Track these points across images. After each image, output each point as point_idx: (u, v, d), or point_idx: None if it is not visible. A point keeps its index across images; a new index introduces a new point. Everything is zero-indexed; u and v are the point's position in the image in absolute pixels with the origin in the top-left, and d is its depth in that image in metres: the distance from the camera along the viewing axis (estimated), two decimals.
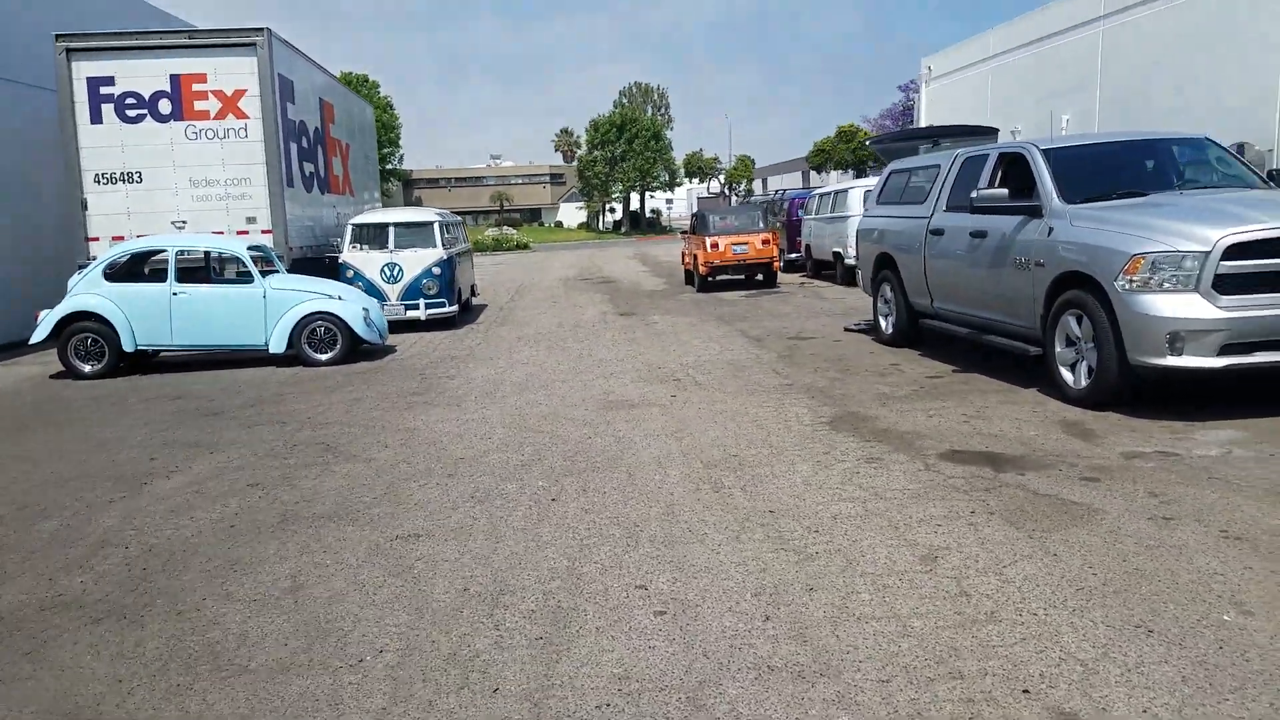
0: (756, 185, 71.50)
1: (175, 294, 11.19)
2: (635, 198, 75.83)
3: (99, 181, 13.39)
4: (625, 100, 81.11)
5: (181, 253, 11.48)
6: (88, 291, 11.20)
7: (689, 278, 21.43)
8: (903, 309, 9.80)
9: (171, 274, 11.23)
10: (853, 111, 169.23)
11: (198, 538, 5.09)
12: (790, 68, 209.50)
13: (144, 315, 11.17)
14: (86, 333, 11.12)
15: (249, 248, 11.87)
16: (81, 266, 12.71)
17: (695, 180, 73.33)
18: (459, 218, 18.14)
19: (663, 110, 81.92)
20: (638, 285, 22.35)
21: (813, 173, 63.08)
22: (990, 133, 11.65)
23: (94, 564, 4.76)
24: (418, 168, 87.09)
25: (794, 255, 21.68)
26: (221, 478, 6.30)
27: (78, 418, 8.73)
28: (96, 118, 13.24)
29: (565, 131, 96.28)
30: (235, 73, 13.39)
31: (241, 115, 13.51)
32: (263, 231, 13.74)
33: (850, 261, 17.58)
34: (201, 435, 7.69)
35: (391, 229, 14.58)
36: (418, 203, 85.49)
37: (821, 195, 20.08)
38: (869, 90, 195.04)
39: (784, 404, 7.60)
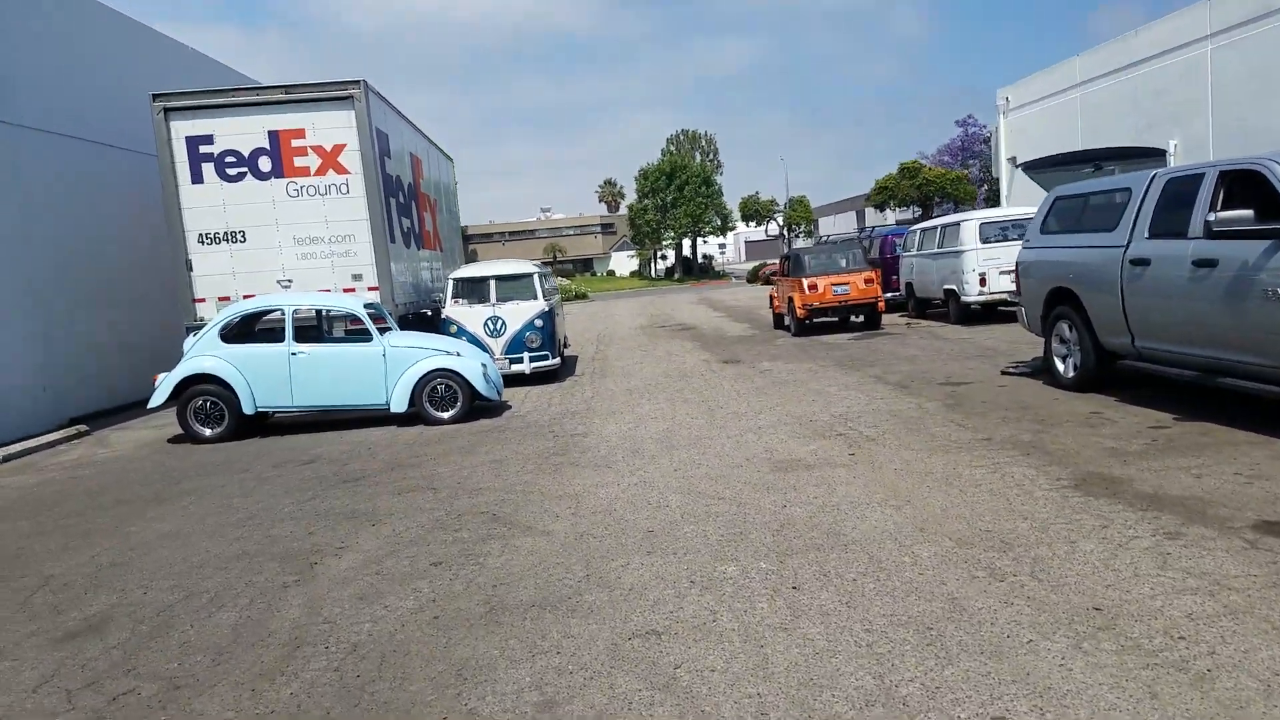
0: (812, 226, 70.90)
1: (294, 354, 10.80)
2: (687, 244, 75.63)
3: (203, 242, 13.19)
4: (673, 148, 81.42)
5: (296, 312, 11.11)
6: (205, 353, 10.87)
7: (778, 321, 20.76)
8: (1089, 349, 8.96)
9: (289, 333, 10.85)
10: (901, 150, 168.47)
11: (402, 633, 4.47)
12: (832, 110, 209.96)
13: (263, 376, 10.79)
14: (206, 395, 10.76)
15: (365, 305, 11.48)
16: (190, 329, 12.47)
17: (752, 224, 72.86)
18: (549, 269, 17.73)
19: (711, 156, 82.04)
20: (721, 331, 21.73)
21: (873, 211, 62.32)
22: (1155, 154, 10.88)
23: (296, 669, 4.16)
24: (471, 223, 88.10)
25: (890, 294, 20.88)
26: (398, 555, 5.71)
27: (212, 487, 8.27)
28: (198, 177, 13.07)
29: (609, 182, 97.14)
30: (334, 127, 13.17)
31: (342, 170, 13.25)
32: (369, 289, 13.40)
33: (971, 299, 16.80)
34: (353, 504, 7.14)
35: (492, 282, 14.17)
36: (473, 257, 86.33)
37: (924, 230, 19.35)
38: (917, 128, 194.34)
39: (998, 464, 6.82)
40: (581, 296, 53.16)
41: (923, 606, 4.37)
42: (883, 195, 53.76)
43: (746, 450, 8.02)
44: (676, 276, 74.74)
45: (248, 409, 10.75)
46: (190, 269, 13.20)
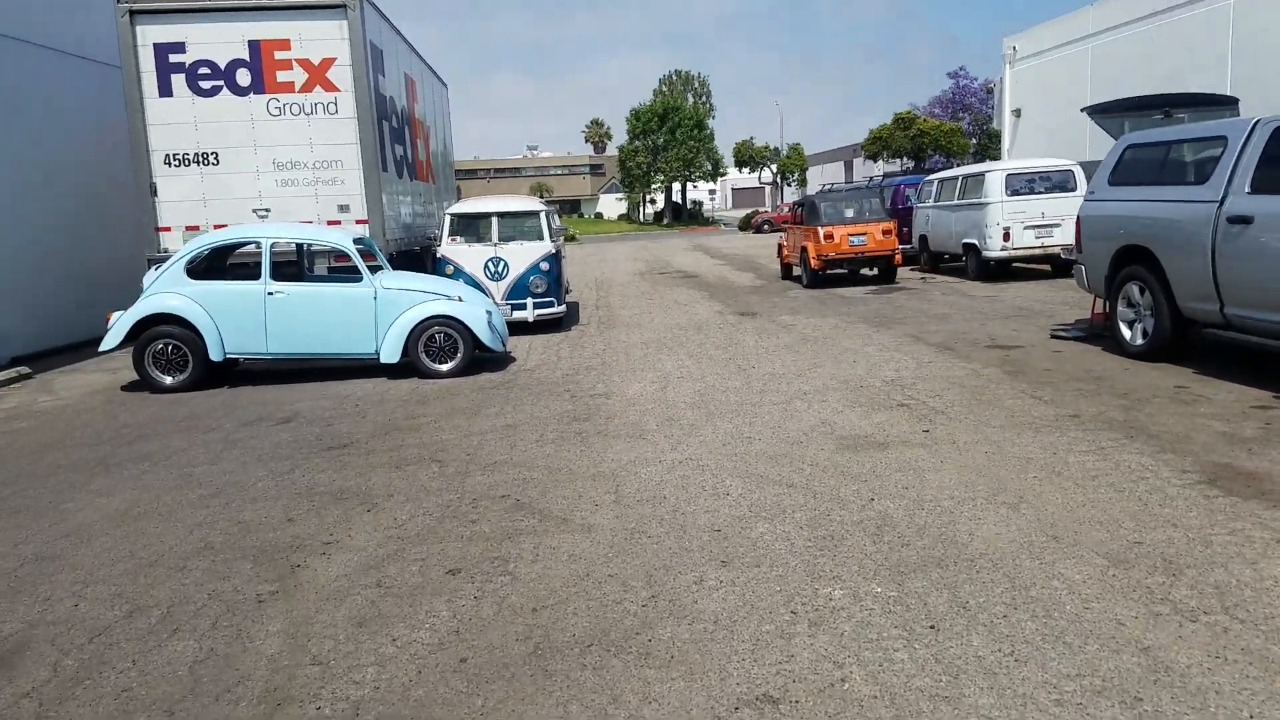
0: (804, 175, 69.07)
1: (271, 294, 9.44)
2: (677, 188, 73.72)
3: (170, 163, 11.69)
4: (666, 89, 78.93)
5: (274, 246, 9.72)
6: (168, 290, 9.48)
7: (786, 272, 19.51)
8: (1165, 315, 7.82)
9: (266, 270, 9.48)
10: (893, 103, 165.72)
11: (420, 685, 3.28)
12: (823, 57, 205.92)
13: (234, 318, 9.44)
14: (167, 339, 9.40)
15: (354, 240, 10.10)
16: (153, 261, 11.05)
17: (745, 170, 70.86)
18: (551, 207, 16.32)
19: (704, 99, 79.63)
20: (726, 280, 20.46)
21: (860, 161, 60.68)
22: (1229, 103, 9.66)
23: None
24: (456, 158, 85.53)
25: (903, 247, 19.62)
26: (403, 558, 4.50)
27: (171, 450, 6.99)
28: (166, 90, 11.52)
29: (596, 122, 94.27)
30: (323, 38, 11.62)
31: (331, 88, 11.74)
32: (357, 221, 12.00)
33: (993, 254, 15.61)
34: (342, 479, 5.91)
35: (495, 220, 12.78)
36: (457, 193, 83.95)
37: (943, 180, 18.05)
38: (911, 79, 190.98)
39: (1103, 449, 5.68)
40: (571, 238, 51.46)
41: (1113, 662, 3.24)
42: (877, 145, 52.13)
43: (800, 421, 6.84)
44: (666, 221, 73.00)
45: (215, 355, 9.41)
46: (155, 193, 11.72)
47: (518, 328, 12.59)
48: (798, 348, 10.35)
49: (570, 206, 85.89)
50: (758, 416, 7.10)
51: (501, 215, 12.87)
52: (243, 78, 11.59)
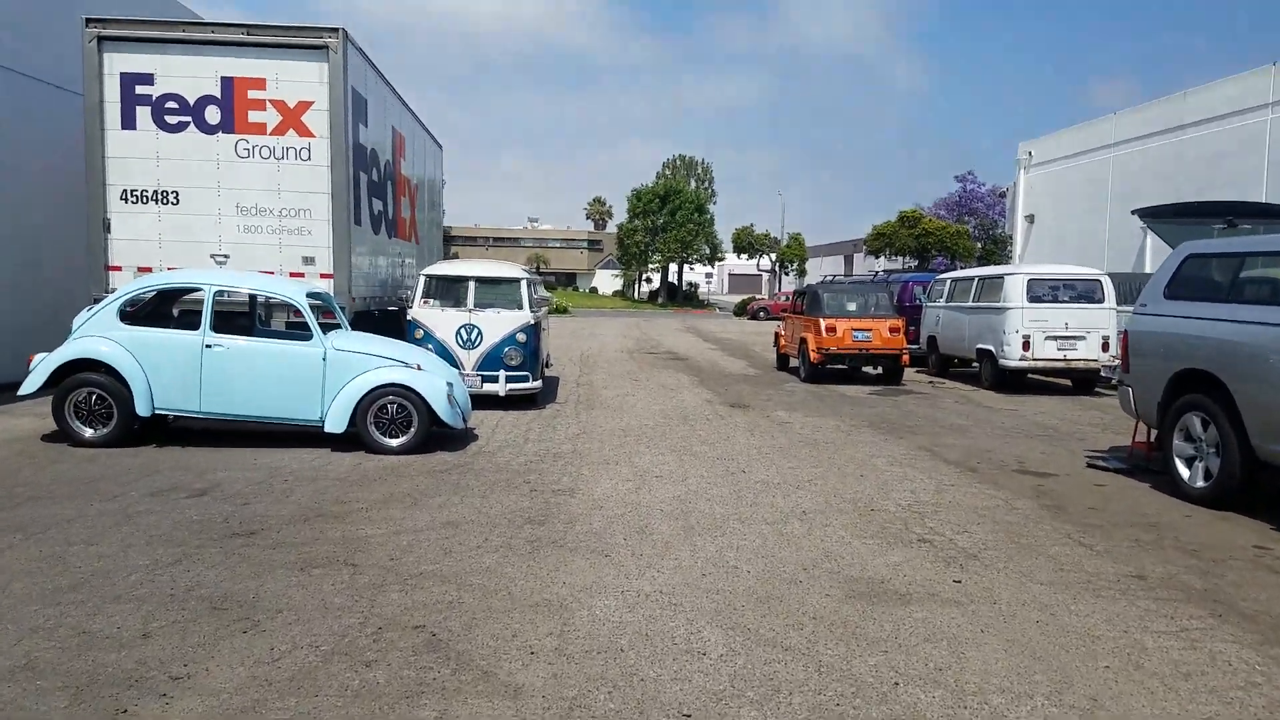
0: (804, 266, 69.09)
1: (209, 346, 8.46)
2: (674, 269, 73.67)
3: (126, 200, 10.84)
4: (669, 171, 79.66)
5: (221, 294, 8.78)
6: (97, 334, 8.50)
7: (782, 363, 18.65)
8: (1235, 455, 6.83)
9: (206, 320, 8.52)
10: (896, 200, 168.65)
11: None
12: (829, 153, 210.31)
13: (166, 370, 8.44)
14: (91, 387, 8.38)
15: (308, 294, 9.18)
16: (97, 300, 10.07)
17: (743, 256, 70.86)
18: (540, 277, 15.50)
19: (706, 184, 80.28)
20: (717, 366, 19.57)
21: (860, 257, 60.72)
22: None
23: None
24: (455, 224, 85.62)
25: (910, 347, 18.85)
26: (264, 710, 3.41)
27: (55, 520, 5.90)
28: (129, 122, 10.74)
29: (598, 200, 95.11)
30: (301, 80, 10.91)
31: (305, 132, 10.98)
32: (321, 275, 11.10)
33: (1010, 363, 14.75)
34: (231, 580, 4.82)
35: (472, 284, 11.90)
36: (454, 259, 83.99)
37: (957, 280, 17.33)
38: (916, 180, 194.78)
39: (1185, 629, 4.63)
40: (562, 310, 50.91)
41: None
42: (880, 242, 52.10)
43: (799, 551, 5.80)
44: (660, 301, 72.73)
45: (142, 409, 8.37)
46: (107, 229, 10.84)
47: (488, 401, 11.61)
48: (795, 452, 9.36)
49: (566, 279, 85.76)
50: (747, 538, 6.06)
51: (480, 280, 12.00)
52: (212, 115, 10.83)
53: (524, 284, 12.09)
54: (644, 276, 78.81)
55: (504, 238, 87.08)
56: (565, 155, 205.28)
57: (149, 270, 10.80)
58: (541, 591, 4.86)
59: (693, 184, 78.19)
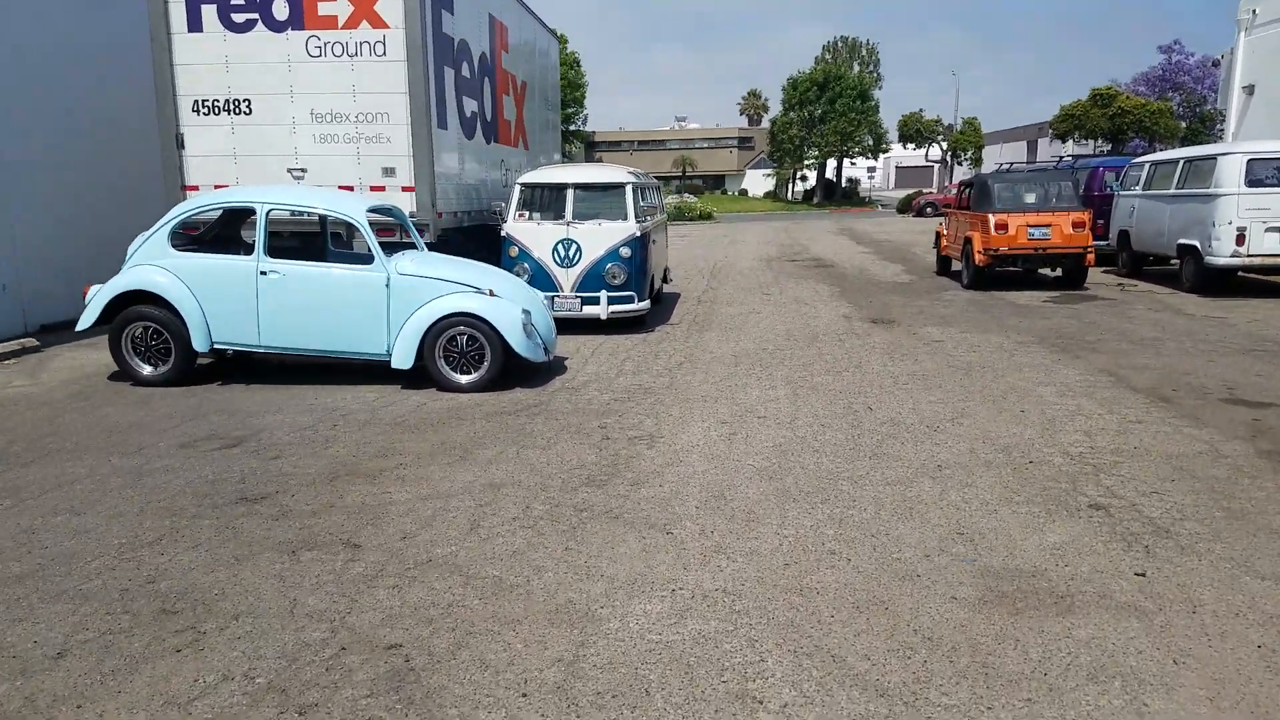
0: (979, 154, 63.84)
1: (264, 273, 7.86)
2: (832, 165, 70.01)
3: (199, 111, 10.35)
4: (829, 56, 74.99)
5: (282, 213, 8.14)
6: (149, 262, 8.07)
7: (943, 266, 16.72)
8: None
9: (260, 244, 7.90)
10: (1085, 79, 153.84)
11: None
12: (1009, 28, 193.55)
13: (222, 300, 7.93)
14: (147, 321, 8.00)
15: (371, 209, 8.42)
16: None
17: (910, 146, 66.19)
18: (657, 181, 14.28)
19: (871, 68, 75.18)
20: (867, 273, 17.84)
21: (1046, 142, 55.40)
22: None
23: None
24: (599, 129, 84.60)
25: (1098, 243, 16.48)
26: None
27: (59, 481, 5.43)
28: (195, 24, 10.15)
29: (753, 94, 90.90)
30: None
31: (379, 23, 10.07)
32: (403, 189, 10.34)
33: (1220, 261, 12.43)
34: (203, 568, 4.11)
35: (570, 193, 10.85)
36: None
37: (1157, 164, 14.79)
38: (1111, 53, 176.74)
39: None
40: (706, 217, 49.24)
41: None
42: (1068, 124, 47.07)
43: (925, 527, 4.56)
44: (816, 200, 69.46)
45: (199, 344, 7.92)
46: (181, 145, 10.42)
47: (589, 324, 10.68)
48: (941, 380, 7.94)
49: (715, 182, 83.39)
50: (856, 507, 4.86)
51: (579, 187, 10.92)
52: (280, 10, 10.09)
53: (630, 189, 10.93)
54: (799, 174, 75.42)
55: (649, 140, 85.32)
56: (719, 46, 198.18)
57: (225, 188, 10.37)
58: (569, 589, 3.90)
59: (856, 68, 73.43)
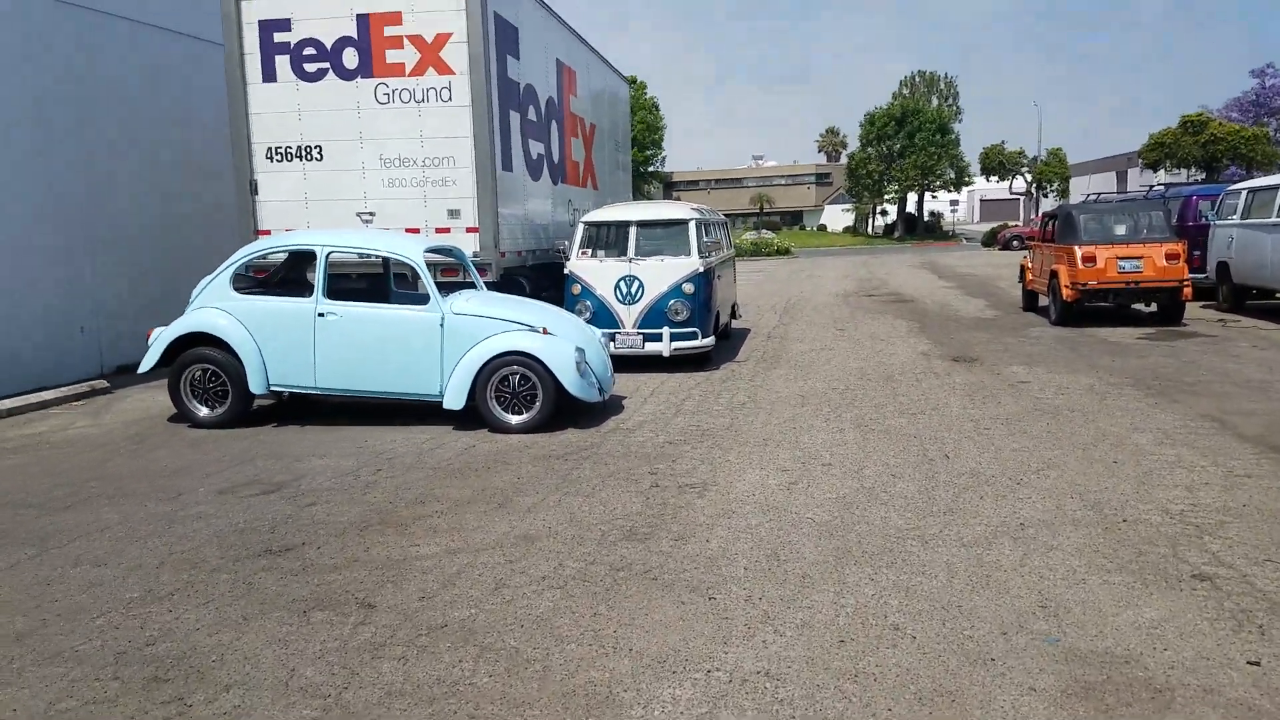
0: (1065, 185, 61.57)
1: (322, 315, 7.69)
2: (913, 198, 68.51)
3: (272, 158, 10.38)
4: (907, 91, 73.76)
5: (333, 254, 7.99)
6: (211, 305, 7.99)
7: (1029, 302, 15.78)
8: None
9: (319, 286, 7.75)
10: (1174, 106, 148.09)
11: None
12: (1093, 57, 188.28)
13: (280, 342, 7.78)
14: (206, 363, 7.90)
15: (430, 250, 8.22)
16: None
17: (993, 179, 64.29)
18: (723, 216, 13.86)
19: (950, 101, 73.61)
20: (949, 309, 17.00)
21: (1137, 171, 53.06)
22: None
23: None
24: (677, 169, 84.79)
25: (1194, 276, 15.33)
26: None
27: (88, 528, 5.23)
28: (270, 74, 10.22)
29: (831, 131, 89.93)
30: (437, 9, 9.87)
31: (445, 69, 9.96)
32: (467, 230, 10.15)
33: None
34: (211, 626, 3.78)
35: (633, 230, 10.52)
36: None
37: (1256, 191, 13.69)
38: (1200, 80, 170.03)
39: None
40: (784, 252, 48.61)
41: None
42: (1158, 153, 44.94)
43: (1002, 598, 3.95)
44: (897, 235, 67.95)
45: (255, 386, 7.77)
46: (255, 191, 10.45)
47: (652, 362, 10.26)
48: (1026, 425, 7.24)
49: (792, 218, 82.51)
50: (925, 573, 4.27)
51: (641, 225, 10.59)
52: (349, 59, 10.09)
53: (693, 225, 10.53)
54: (878, 209, 74.05)
55: (726, 179, 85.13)
56: (796, 87, 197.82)
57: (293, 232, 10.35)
58: (591, 665, 3.43)
59: (935, 102, 72.03)
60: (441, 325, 7.56)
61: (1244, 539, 4.54)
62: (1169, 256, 12.45)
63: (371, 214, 10.26)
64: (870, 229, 74.94)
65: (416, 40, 9.98)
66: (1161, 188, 17.96)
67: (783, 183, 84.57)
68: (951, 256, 39.45)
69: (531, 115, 11.70)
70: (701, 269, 10.35)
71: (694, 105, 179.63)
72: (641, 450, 6.74)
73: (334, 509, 5.46)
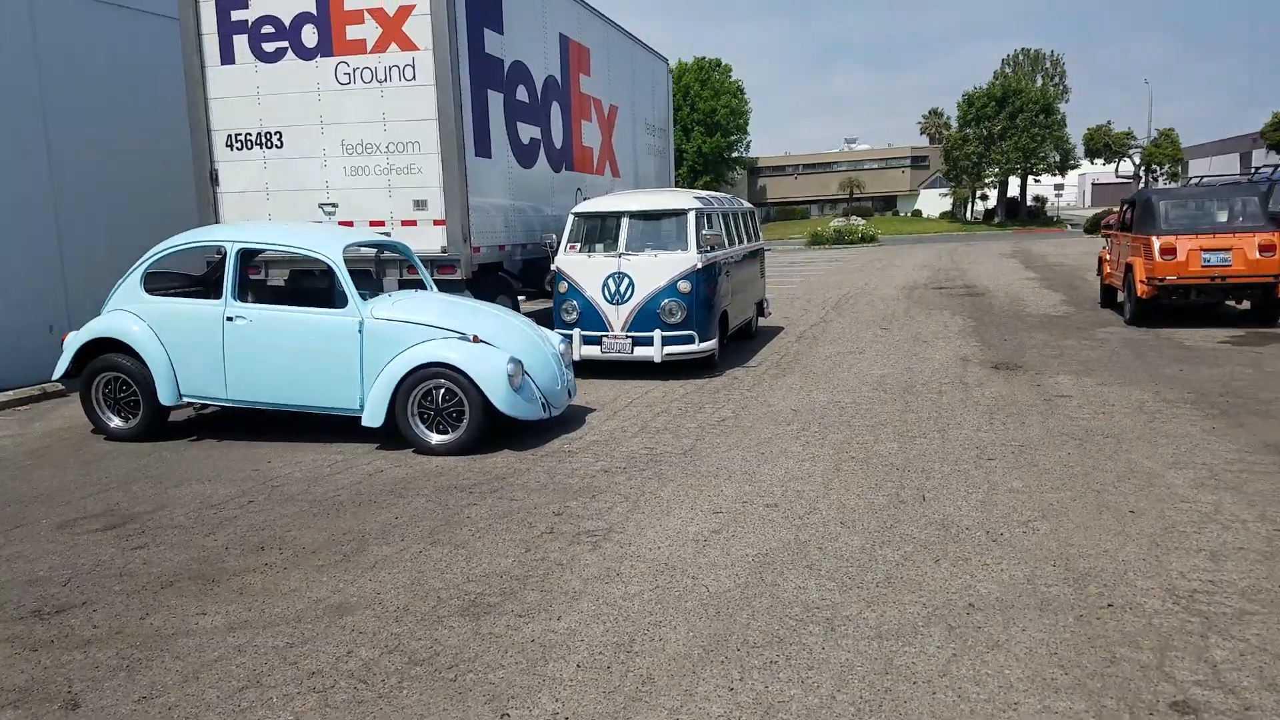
0: (1179, 168, 57.49)
1: (230, 319, 7.04)
2: (1015, 182, 65.20)
3: (231, 146, 9.83)
4: (1009, 69, 70.26)
5: (245, 252, 7.33)
6: (122, 307, 7.43)
7: (1107, 297, 14.20)
8: None
9: (228, 286, 7.09)
10: None
11: None
12: (1215, 31, 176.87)
13: (189, 349, 7.16)
14: (114, 370, 7.35)
15: (361, 245, 7.52)
16: (210, 264, 9.06)
17: (1098, 161, 60.59)
18: (745, 205, 12.77)
19: (1056, 80, 69.78)
20: (1018, 303, 15.51)
21: (1271, 153, 49.09)
22: None
23: None
24: (763, 154, 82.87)
25: None
26: None
27: None
28: (228, 55, 9.65)
29: (934, 112, 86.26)
30: None
31: (408, 45, 9.21)
32: (434, 222, 9.40)
33: None
34: None
35: (625, 222, 9.60)
36: (762, 193, 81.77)
37: None
38: None
39: None
40: (870, 240, 46.62)
41: None
42: None
43: None
44: (997, 220, 64.81)
45: (166, 397, 7.17)
46: (215, 181, 9.93)
47: (647, 368, 9.36)
48: (1041, 453, 6.06)
49: (885, 203, 79.63)
50: (804, 682, 3.28)
51: (634, 215, 9.65)
52: (309, 37, 9.43)
53: (692, 216, 9.54)
54: (978, 193, 70.75)
55: (815, 164, 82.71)
56: (897, 68, 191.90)
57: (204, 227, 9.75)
58: None
59: (1039, 81, 68.41)
60: (360, 331, 6.81)
61: (1265, 643, 3.38)
62: (1263, 248, 10.82)
63: (334, 206, 9.62)
64: (969, 214, 71.74)
65: (377, 14, 9.25)
66: (1269, 169, 15.97)
67: (875, 166, 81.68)
68: (1048, 244, 37.10)
69: (522, 95, 10.87)
70: (700, 265, 9.36)
71: (786, 88, 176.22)
72: (565, 482, 5.84)
73: (157, 554, 4.75)
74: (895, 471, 5.82)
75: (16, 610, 4.10)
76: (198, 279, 8.31)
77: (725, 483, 5.71)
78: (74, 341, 7.42)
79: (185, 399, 7.27)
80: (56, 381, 7.75)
